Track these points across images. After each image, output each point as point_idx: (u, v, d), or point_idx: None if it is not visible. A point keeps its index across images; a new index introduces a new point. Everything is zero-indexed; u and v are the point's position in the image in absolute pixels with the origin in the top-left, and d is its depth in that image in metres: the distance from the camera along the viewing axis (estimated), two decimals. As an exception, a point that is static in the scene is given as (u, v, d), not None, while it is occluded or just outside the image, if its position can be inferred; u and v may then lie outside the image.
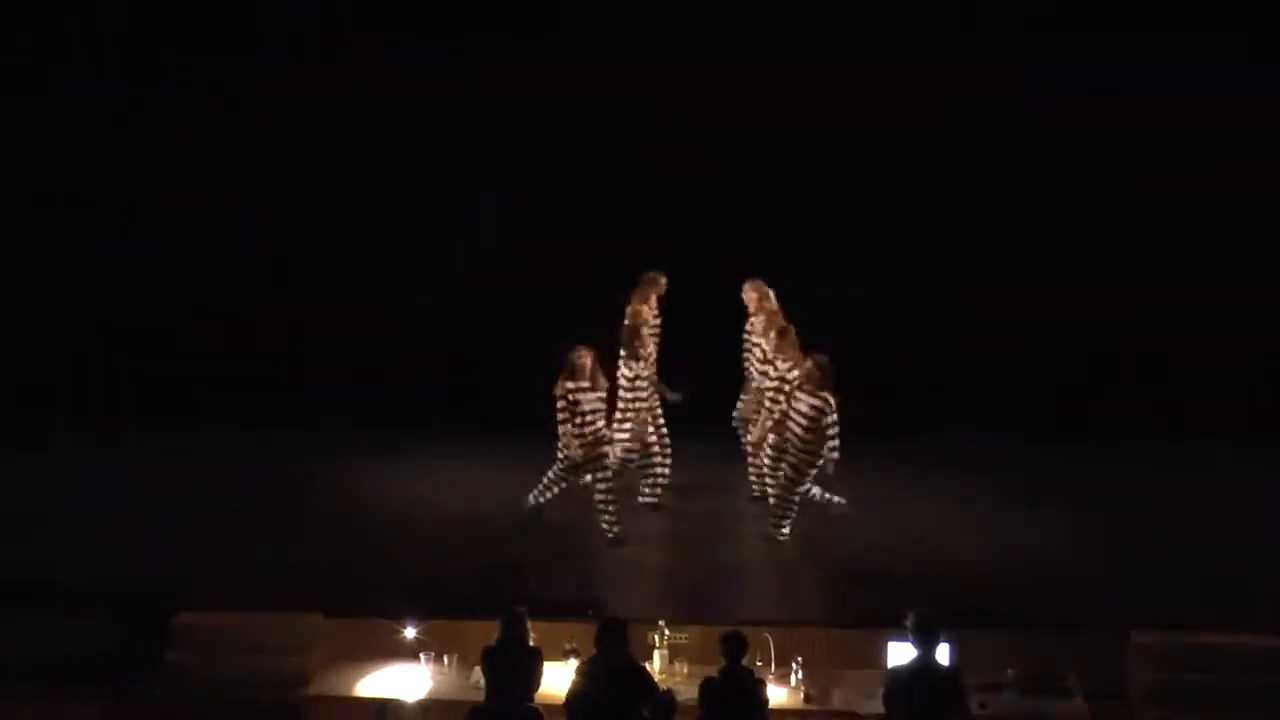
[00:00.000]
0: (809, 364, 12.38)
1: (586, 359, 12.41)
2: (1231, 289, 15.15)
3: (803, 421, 12.39)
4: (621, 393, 12.87)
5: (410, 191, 15.70)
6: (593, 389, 12.46)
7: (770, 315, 13.11)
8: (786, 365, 12.66)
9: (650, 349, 13.13)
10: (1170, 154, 14.92)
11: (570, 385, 12.39)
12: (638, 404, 12.92)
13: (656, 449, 13.28)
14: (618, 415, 12.91)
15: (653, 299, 13.34)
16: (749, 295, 13.38)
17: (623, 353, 12.87)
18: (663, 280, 13.44)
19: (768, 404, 12.81)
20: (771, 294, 13.29)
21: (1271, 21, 14.87)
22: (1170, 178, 14.97)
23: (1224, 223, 15.11)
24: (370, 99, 15.53)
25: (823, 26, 15.07)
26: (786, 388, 12.65)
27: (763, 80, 15.08)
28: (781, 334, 12.85)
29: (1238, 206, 15.06)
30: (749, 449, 13.34)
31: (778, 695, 10.24)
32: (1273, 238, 15.18)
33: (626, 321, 13.00)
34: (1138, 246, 15.19)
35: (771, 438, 12.77)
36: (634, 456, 13.20)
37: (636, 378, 12.86)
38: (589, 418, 12.43)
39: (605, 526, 12.62)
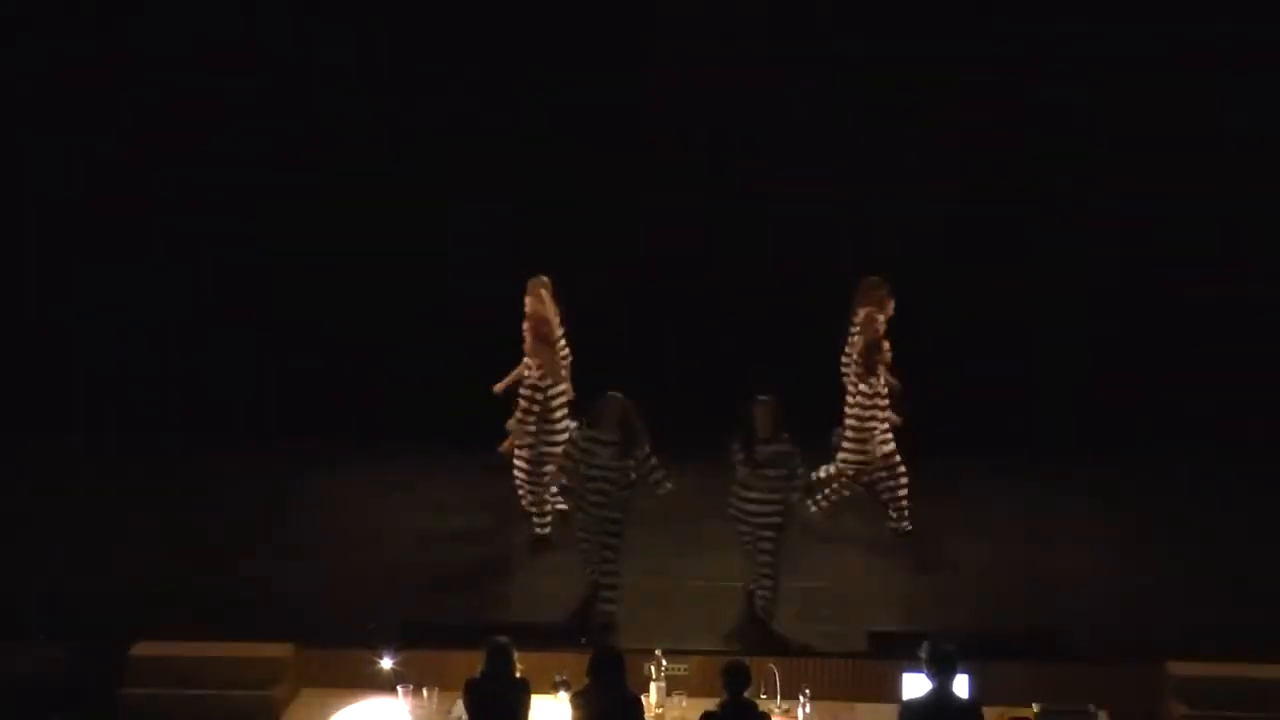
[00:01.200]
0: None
1: (615, 407, 11.58)
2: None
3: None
4: (858, 409, 12.47)
5: (396, 196, 15.46)
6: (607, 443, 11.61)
7: (532, 317, 12.61)
8: (539, 372, 12.38)
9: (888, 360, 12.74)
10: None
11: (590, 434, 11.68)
12: (872, 421, 12.46)
13: (901, 468, 12.83)
14: (850, 432, 12.53)
15: (889, 307, 12.83)
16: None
17: (858, 368, 12.48)
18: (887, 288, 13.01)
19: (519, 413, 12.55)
20: (546, 294, 12.83)
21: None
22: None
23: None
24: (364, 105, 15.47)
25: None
26: (539, 396, 12.37)
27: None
28: (539, 339, 12.47)
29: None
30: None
31: (783, 731, 10.01)
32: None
33: (858, 333, 12.60)
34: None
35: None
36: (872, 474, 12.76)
37: (875, 395, 12.45)
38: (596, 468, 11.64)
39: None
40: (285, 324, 15.32)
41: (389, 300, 15.43)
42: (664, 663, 10.28)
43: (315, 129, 15.44)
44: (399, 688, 10.29)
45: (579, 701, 9.25)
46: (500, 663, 9.32)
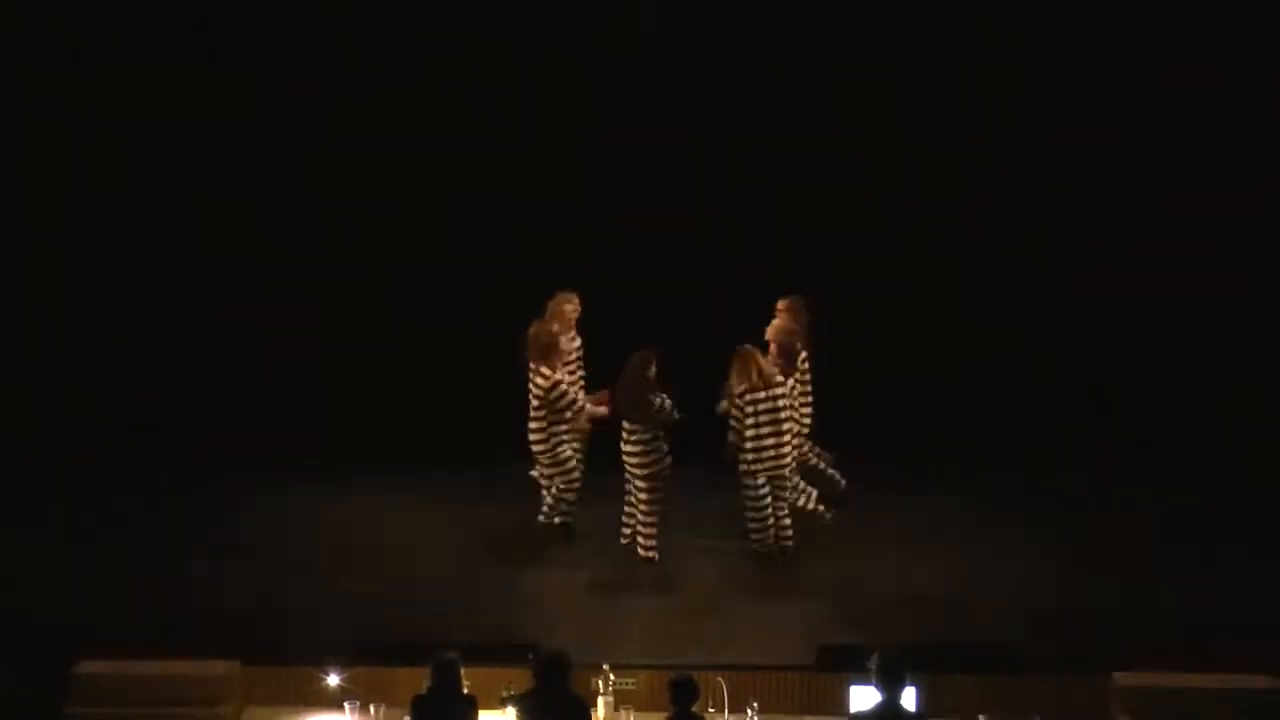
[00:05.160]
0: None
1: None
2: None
3: None
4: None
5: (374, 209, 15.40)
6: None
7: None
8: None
9: None
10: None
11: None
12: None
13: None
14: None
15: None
16: None
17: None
18: None
19: None
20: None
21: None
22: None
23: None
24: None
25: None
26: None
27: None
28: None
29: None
30: None
31: (731, 744, 9.98)
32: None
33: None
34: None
35: None
36: None
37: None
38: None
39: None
40: (220, 343, 15.13)
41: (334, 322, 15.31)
42: (612, 677, 10.25)
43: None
44: (346, 704, 10.21)
45: (523, 704, 9.19)
46: (447, 679, 9.27)
